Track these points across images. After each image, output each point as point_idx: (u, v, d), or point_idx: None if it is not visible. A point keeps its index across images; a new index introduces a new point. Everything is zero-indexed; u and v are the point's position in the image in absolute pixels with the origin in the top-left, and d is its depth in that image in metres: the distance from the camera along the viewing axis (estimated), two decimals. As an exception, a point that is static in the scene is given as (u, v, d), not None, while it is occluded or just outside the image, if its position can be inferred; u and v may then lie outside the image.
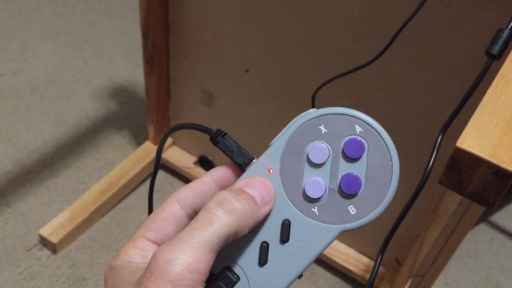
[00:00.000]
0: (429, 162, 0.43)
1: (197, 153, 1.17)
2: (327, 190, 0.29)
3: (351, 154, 0.29)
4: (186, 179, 1.18)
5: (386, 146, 0.29)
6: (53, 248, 1.01)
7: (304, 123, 0.30)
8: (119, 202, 1.13)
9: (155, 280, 0.26)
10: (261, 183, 0.30)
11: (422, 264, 0.89)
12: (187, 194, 0.32)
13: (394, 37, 0.66)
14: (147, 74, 1.04)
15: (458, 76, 0.71)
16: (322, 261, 1.07)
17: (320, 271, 1.07)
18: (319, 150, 0.29)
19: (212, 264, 0.27)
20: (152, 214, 0.32)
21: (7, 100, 1.31)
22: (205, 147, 1.14)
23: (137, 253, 0.31)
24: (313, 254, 0.29)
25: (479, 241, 1.19)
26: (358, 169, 0.29)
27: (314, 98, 0.75)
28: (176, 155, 1.19)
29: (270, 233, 0.29)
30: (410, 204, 0.44)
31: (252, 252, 0.29)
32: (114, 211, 1.11)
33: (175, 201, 0.32)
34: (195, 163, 1.18)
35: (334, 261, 1.04)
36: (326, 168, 0.29)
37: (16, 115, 1.28)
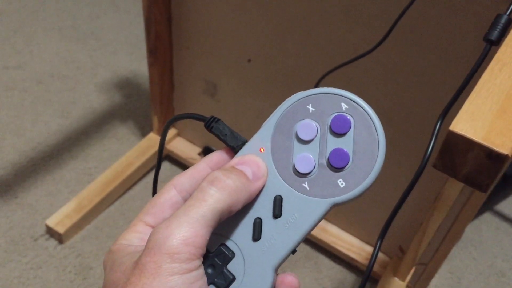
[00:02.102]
0: (428, 148, 0.43)
1: (202, 144, 1.18)
2: (316, 165, 0.30)
3: (338, 129, 0.30)
4: (190, 170, 1.19)
5: (372, 121, 0.30)
6: (60, 238, 1.03)
7: (292, 103, 0.31)
8: (124, 192, 1.14)
9: (154, 255, 0.27)
10: (252, 160, 0.31)
11: (425, 252, 0.90)
12: (183, 180, 0.33)
13: (395, 24, 0.66)
14: (150, 65, 1.05)
15: (457, 62, 0.71)
16: (326, 250, 1.07)
17: (324, 260, 1.08)
18: (307, 127, 0.30)
19: (208, 239, 0.28)
20: (150, 200, 0.33)
21: (13, 93, 1.33)
22: (209, 138, 1.15)
23: (136, 236, 0.31)
24: (305, 228, 0.29)
25: (483, 230, 1.19)
26: (345, 143, 0.30)
27: (317, 86, 0.75)
28: (180, 146, 1.19)
29: (263, 209, 0.30)
30: (410, 189, 0.45)
31: (246, 228, 0.30)
32: (120, 201, 1.13)
33: (173, 187, 0.32)
34: (199, 154, 1.18)
35: (337, 250, 1.05)
36: (315, 144, 0.30)
37: (22, 107, 1.29)
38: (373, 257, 0.43)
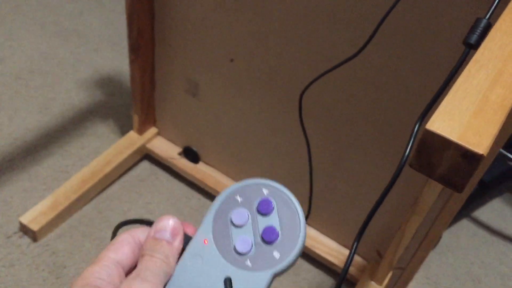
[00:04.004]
0: (405, 151, 0.43)
1: (182, 144, 1.17)
2: (253, 244, 0.36)
3: (265, 210, 0.36)
4: (170, 170, 1.18)
5: (289, 198, 0.37)
6: (34, 236, 1.01)
7: (224, 198, 0.37)
8: (101, 191, 1.12)
9: None
10: (163, 225, 0.36)
11: (402, 256, 0.90)
12: (137, 229, 0.38)
13: (377, 28, 0.66)
14: (132, 62, 1.04)
15: (438, 65, 0.72)
16: (304, 253, 1.07)
17: (303, 263, 1.07)
18: (239, 214, 0.37)
19: None
20: (110, 243, 0.38)
21: (-9, 87, 1.30)
22: (190, 138, 1.14)
23: (104, 270, 0.35)
24: None
25: (460, 236, 1.20)
26: (273, 221, 0.36)
27: (302, 96, 0.75)
28: (160, 145, 1.18)
29: None
30: (387, 190, 0.44)
31: None
32: (96, 200, 1.11)
33: (128, 233, 0.38)
34: (179, 154, 1.17)
35: (316, 253, 1.04)
36: (248, 226, 0.36)
37: (0, 102, 1.27)
38: (349, 258, 0.42)
